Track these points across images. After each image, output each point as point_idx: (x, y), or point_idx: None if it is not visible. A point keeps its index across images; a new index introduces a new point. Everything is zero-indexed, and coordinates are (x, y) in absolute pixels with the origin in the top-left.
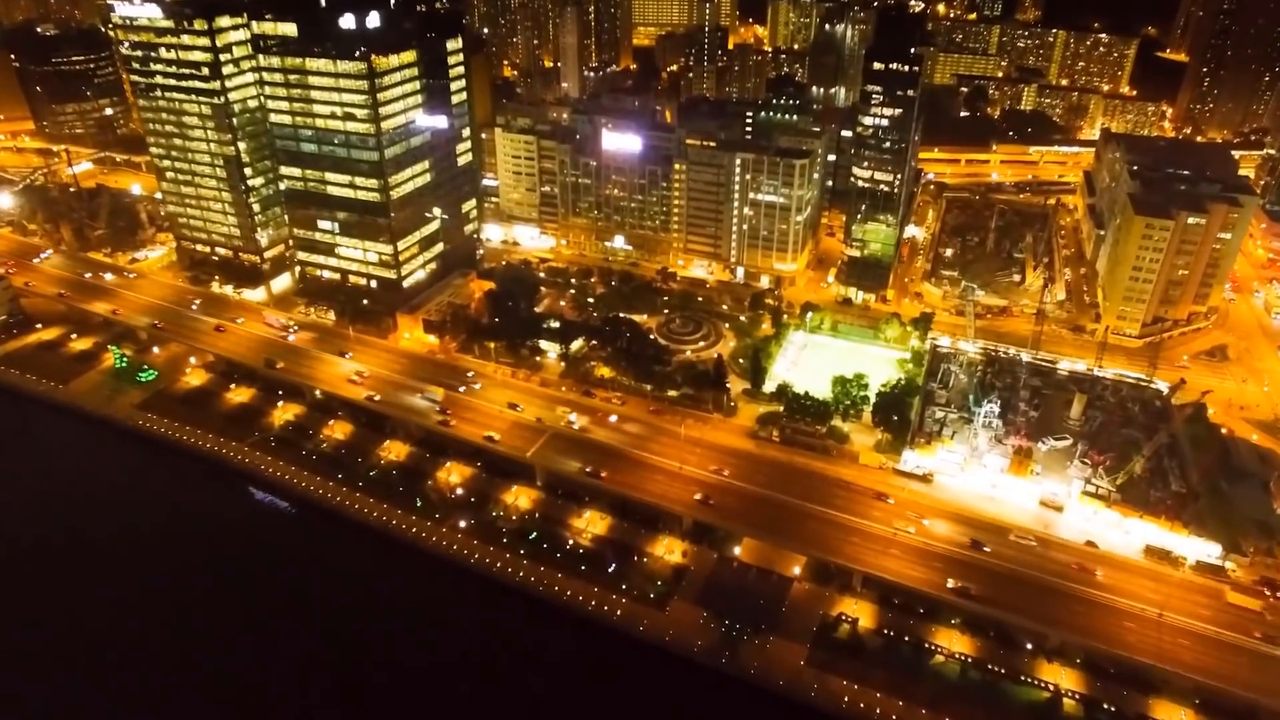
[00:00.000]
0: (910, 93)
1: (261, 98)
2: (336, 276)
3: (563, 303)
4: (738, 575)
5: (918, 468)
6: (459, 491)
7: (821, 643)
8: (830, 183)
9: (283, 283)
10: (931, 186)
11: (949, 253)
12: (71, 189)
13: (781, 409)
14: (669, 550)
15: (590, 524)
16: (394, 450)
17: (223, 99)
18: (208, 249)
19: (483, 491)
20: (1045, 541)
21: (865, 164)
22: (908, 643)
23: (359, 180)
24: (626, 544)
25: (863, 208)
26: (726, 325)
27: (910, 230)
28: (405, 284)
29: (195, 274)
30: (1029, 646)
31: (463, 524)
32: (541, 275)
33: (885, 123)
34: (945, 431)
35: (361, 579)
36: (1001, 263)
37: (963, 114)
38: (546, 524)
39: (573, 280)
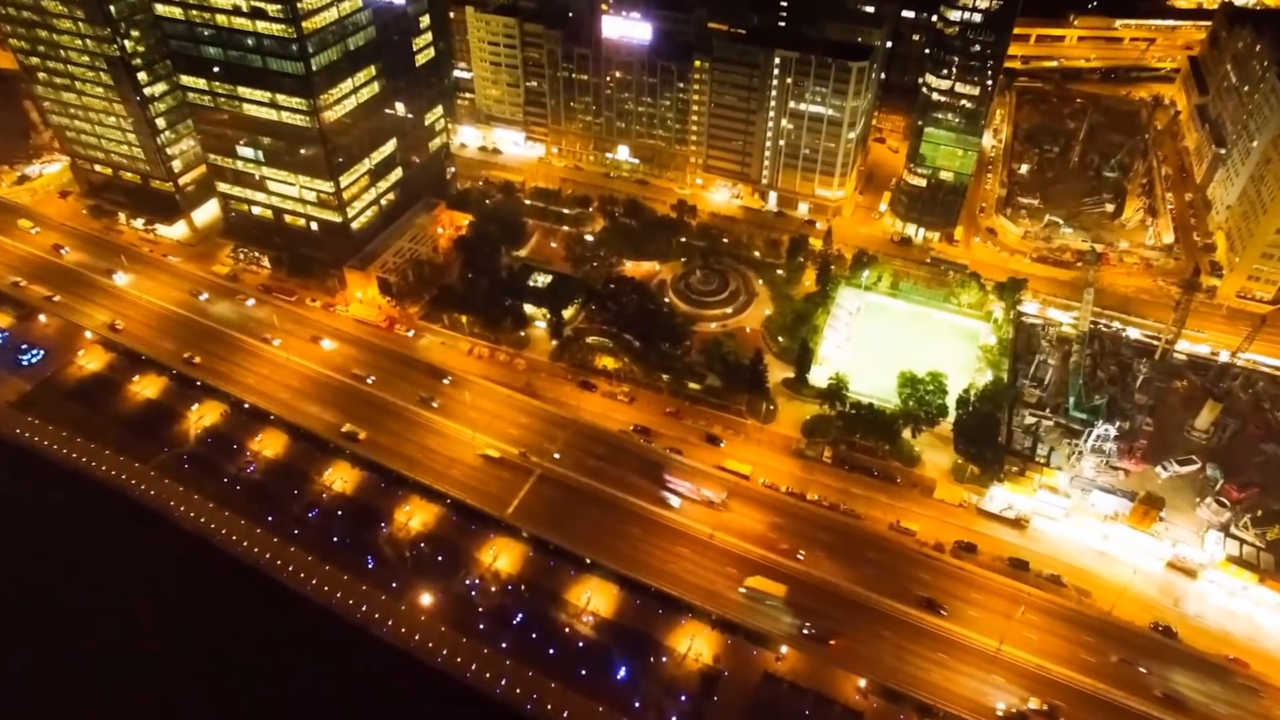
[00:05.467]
0: None
1: None
2: (269, 214)
3: (553, 244)
4: (787, 698)
5: (1008, 508)
6: (422, 545)
7: None
8: (883, 75)
9: (209, 212)
10: (1000, 76)
11: (1023, 169)
12: None
13: (833, 412)
14: (695, 650)
15: (591, 601)
16: (340, 477)
17: None
18: (109, 170)
19: (453, 544)
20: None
21: (945, 71)
22: None
23: (281, 99)
24: (639, 633)
25: (935, 124)
26: (759, 280)
27: None
28: (354, 226)
29: (98, 203)
30: None
31: (427, 599)
32: (527, 203)
33: (978, 18)
34: (1039, 450)
35: (297, 663)
36: (1089, 184)
37: None
38: (536, 598)
39: (566, 212)
